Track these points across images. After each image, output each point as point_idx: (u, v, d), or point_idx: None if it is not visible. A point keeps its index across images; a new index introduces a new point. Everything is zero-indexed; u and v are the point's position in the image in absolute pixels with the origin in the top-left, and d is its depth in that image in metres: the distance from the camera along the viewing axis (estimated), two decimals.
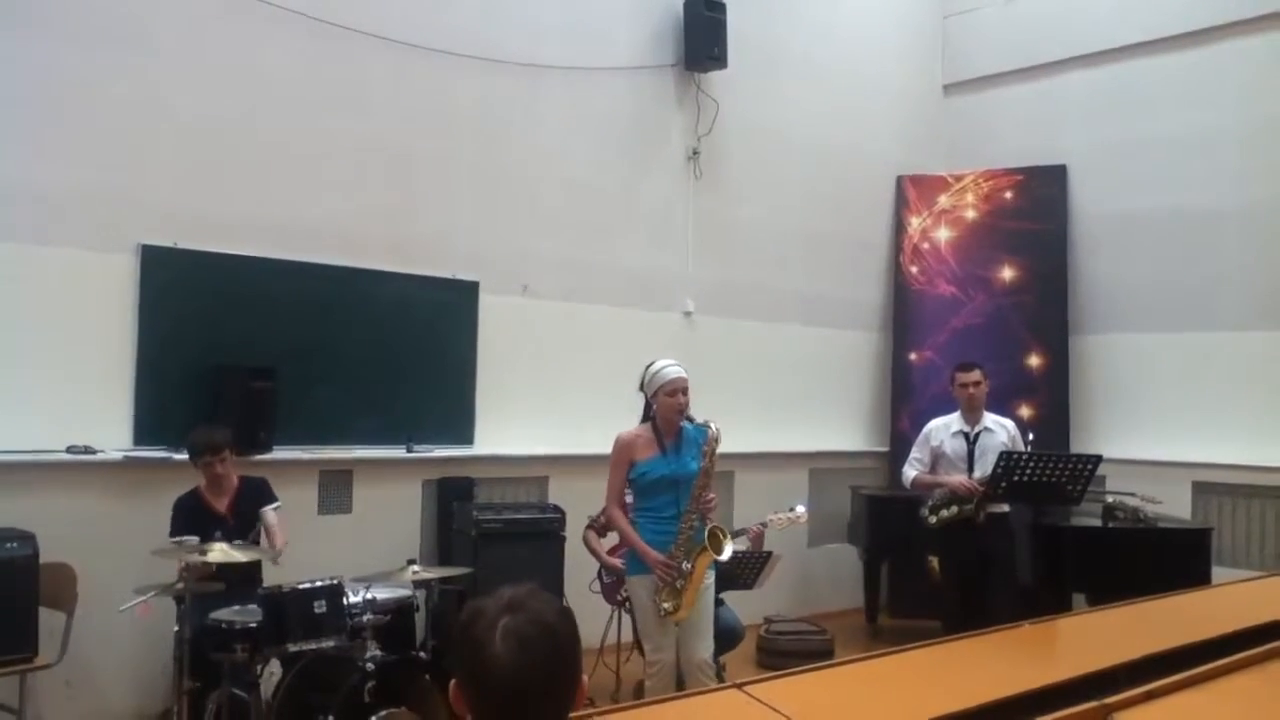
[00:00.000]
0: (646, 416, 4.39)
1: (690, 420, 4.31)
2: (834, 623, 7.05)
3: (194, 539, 4.31)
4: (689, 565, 4.18)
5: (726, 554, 4.26)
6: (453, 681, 1.60)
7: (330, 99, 5.68)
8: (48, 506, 4.63)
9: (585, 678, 1.64)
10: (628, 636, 5.36)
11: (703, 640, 4.32)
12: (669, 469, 4.26)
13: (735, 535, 5.08)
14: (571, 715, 1.63)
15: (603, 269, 6.77)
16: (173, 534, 4.55)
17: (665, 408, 4.26)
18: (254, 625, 4.00)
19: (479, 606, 1.60)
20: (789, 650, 6.24)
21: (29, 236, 4.78)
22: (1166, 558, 5.81)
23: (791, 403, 7.66)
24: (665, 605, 4.19)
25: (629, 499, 4.47)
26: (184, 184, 5.20)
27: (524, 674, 1.53)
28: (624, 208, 6.92)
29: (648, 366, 4.36)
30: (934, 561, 5.99)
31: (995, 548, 5.37)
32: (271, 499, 4.87)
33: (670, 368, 4.29)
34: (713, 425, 4.24)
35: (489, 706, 1.56)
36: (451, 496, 5.92)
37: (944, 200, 8.21)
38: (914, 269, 8.24)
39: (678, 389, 4.25)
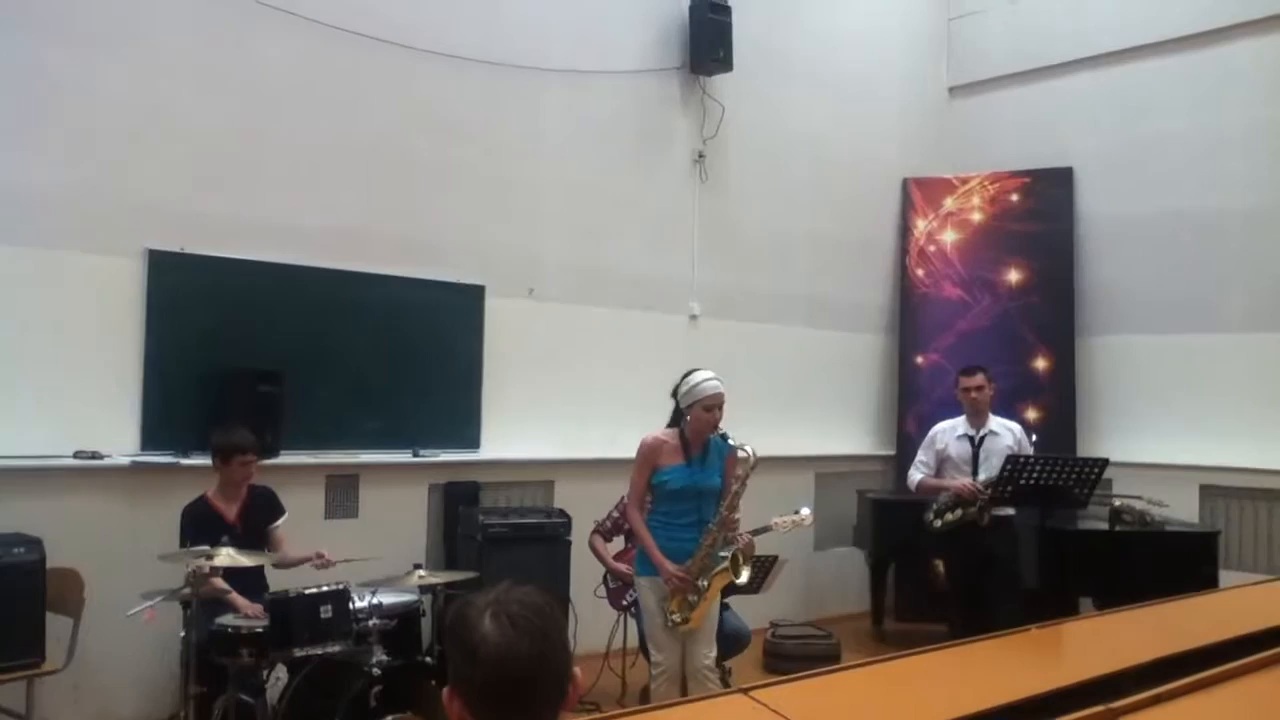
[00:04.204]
0: (675, 422, 4.35)
1: (722, 436, 4.28)
2: (840, 626, 7.03)
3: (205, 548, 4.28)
4: (705, 583, 4.18)
5: (744, 578, 4.26)
6: (445, 688, 1.59)
7: (335, 103, 5.69)
8: (55, 511, 4.64)
9: (578, 670, 1.63)
10: (633, 641, 5.37)
11: (706, 645, 4.32)
12: (692, 479, 4.26)
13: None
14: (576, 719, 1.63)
15: (608, 272, 6.77)
16: (183, 543, 4.54)
17: (699, 421, 4.23)
18: (260, 630, 4.01)
19: (467, 599, 1.63)
20: (795, 654, 6.23)
21: (35, 240, 4.79)
22: (1173, 561, 5.80)
23: (797, 406, 7.65)
24: (674, 616, 4.21)
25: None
26: (191, 188, 5.21)
27: (515, 651, 1.53)
28: (629, 211, 6.92)
29: (686, 375, 4.31)
30: (939, 565, 5.99)
31: (1001, 551, 5.36)
32: (281, 510, 4.83)
33: (710, 381, 4.23)
34: (748, 448, 4.20)
35: (483, 694, 1.54)
36: (457, 501, 5.93)
37: (950, 203, 8.20)
38: (920, 272, 8.24)
39: (715, 405, 4.21)
